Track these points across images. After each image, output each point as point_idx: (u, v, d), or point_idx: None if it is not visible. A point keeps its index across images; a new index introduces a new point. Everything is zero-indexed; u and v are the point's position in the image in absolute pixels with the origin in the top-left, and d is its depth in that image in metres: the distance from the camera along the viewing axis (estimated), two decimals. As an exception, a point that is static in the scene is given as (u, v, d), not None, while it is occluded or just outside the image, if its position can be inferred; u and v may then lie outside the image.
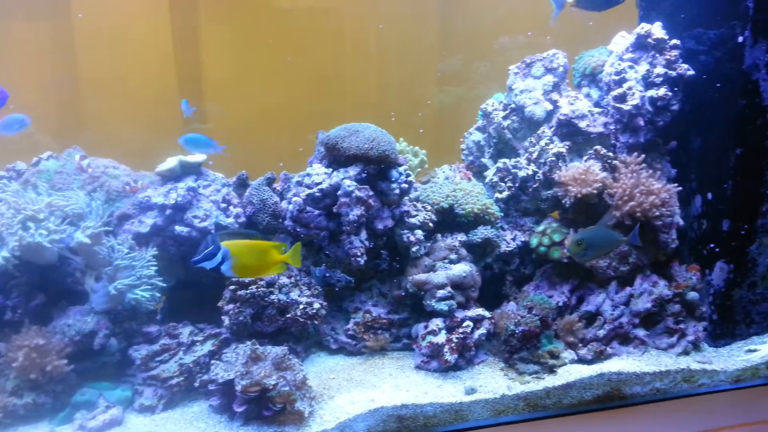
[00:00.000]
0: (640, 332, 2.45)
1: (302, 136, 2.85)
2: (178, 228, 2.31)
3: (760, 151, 2.40)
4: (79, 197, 2.25)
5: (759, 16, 2.29)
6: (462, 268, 2.49)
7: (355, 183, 2.37)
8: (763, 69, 2.34)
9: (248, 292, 2.30)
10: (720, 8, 2.44)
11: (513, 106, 2.83)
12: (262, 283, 2.33)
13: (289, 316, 2.35)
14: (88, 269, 2.26)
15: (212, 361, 2.16)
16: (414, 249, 2.51)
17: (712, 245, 2.52)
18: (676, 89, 2.53)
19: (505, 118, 2.83)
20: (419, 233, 2.52)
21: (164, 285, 2.24)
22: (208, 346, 2.28)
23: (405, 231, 2.52)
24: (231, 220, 2.41)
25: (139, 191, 2.39)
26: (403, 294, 2.53)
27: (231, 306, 2.32)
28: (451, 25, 3.87)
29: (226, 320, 2.31)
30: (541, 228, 2.62)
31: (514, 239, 2.69)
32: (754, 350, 2.42)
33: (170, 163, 2.39)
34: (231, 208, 2.45)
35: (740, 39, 2.33)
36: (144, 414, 2.13)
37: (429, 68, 3.85)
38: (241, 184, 2.60)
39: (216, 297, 2.36)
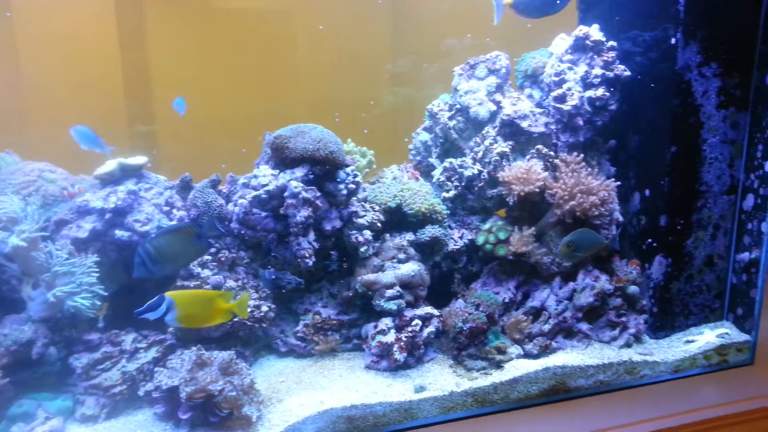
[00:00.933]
0: (584, 326, 2.50)
1: (248, 138, 2.82)
2: (119, 232, 2.25)
3: (693, 149, 2.48)
4: (13, 201, 2.17)
5: (689, 19, 2.37)
6: (410, 267, 2.50)
7: (301, 184, 2.35)
8: (695, 69, 2.43)
9: (194, 296, 2.26)
10: (653, 11, 2.51)
11: (458, 106, 2.86)
12: (207, 286, 2.30)
13: (236, 319, 2.32)
14: (24, 276, 2.17)
15: (156, 368, 2.11)
16: (362, 249, 2.51)
17: (650, 240, 2.60)
18: (613, 89, 2.60)
19: (450, 118, 2.86)
20: (367, 233, 2.52)
21: (105, 293, 2.18)
22: (153, 353, 2.22)
23: (353, 231, 2.52)
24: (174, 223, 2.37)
25: (77, 195, 2.32)
26: (352, 294, 2.53)
27: (176, 311, 2.27)
28: (399, 27, 3.89)
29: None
30: (486, 226, 2.65)
31: (461, 237, 2.71)
32: (692, 341, 2.51)
33: (109, 166, 2.32)
34: (174, 211, 2.40)
35: (673, 41, 2.42)
36: (86, 424, 2.07)
37: (377, 69, 3.85)
38: (185, 187, 2.55)
39: (160, 302, 2.31)
